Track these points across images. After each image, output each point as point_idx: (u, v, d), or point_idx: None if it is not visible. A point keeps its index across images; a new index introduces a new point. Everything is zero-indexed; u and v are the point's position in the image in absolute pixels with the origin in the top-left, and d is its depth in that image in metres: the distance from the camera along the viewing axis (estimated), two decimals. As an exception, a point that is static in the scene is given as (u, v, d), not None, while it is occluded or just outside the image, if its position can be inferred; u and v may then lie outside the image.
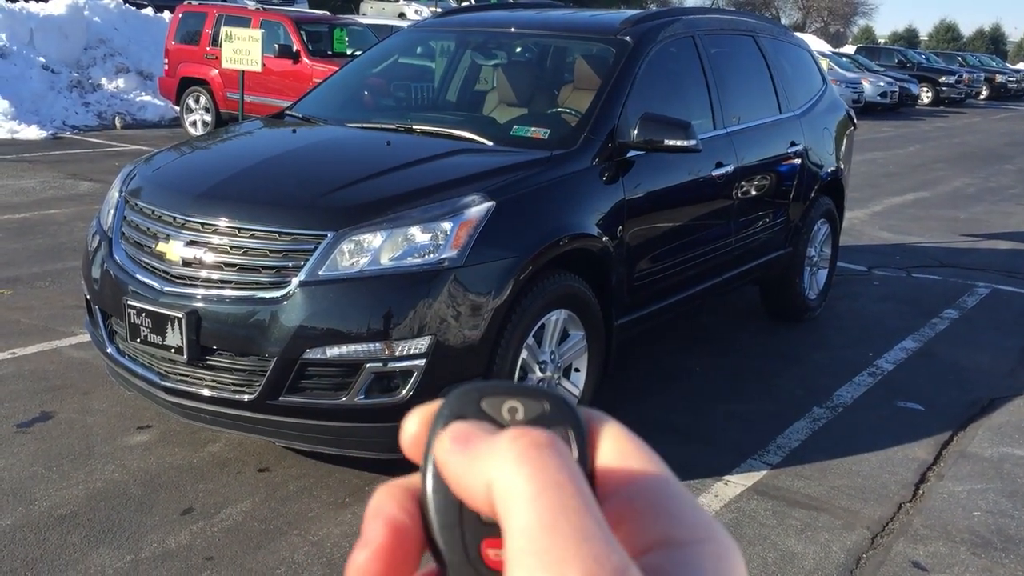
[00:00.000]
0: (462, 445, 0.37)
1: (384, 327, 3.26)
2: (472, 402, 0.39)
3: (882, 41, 69.40)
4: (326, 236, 3.35)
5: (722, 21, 5.63)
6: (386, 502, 0.39)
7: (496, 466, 0.35)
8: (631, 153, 4.17)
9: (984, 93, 37.84)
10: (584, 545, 0.32)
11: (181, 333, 3.37)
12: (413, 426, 0.40)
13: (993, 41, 78.89)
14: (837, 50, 33.84)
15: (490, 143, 4.20)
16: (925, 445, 4.30)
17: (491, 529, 0.37)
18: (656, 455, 0.38)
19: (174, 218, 3.56)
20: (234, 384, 3.38)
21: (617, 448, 0.38)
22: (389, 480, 0.39)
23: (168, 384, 3.46)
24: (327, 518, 3.37)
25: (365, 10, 27.75)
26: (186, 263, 3.47)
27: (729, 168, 4.89)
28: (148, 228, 3.64)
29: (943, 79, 32.33)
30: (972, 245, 8.84)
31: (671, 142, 4.08)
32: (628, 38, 4.57)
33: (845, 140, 6.43)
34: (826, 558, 3.33)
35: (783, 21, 55.27)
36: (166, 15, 16.50)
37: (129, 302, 3.51)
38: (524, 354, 3.60)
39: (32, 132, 12.35)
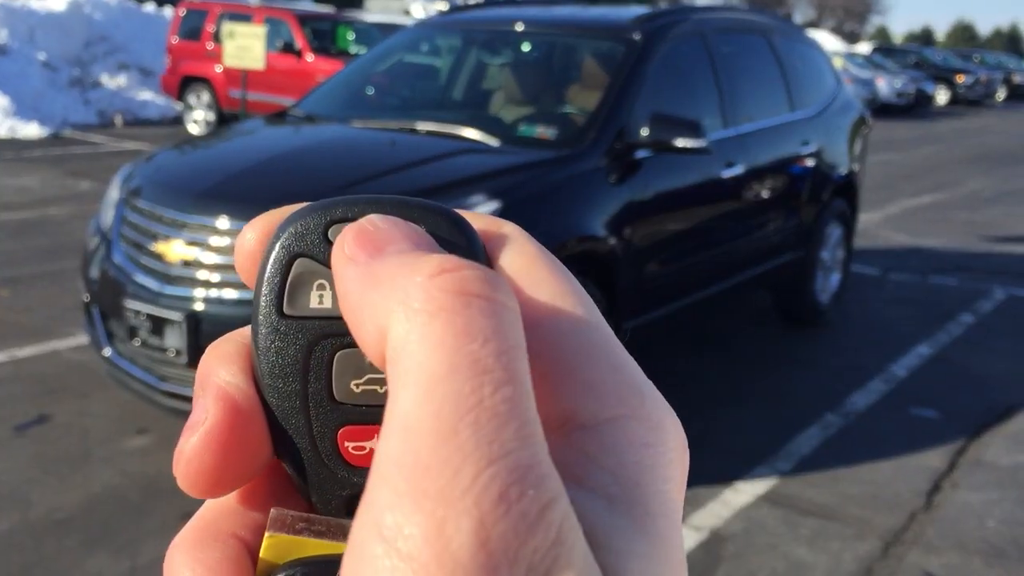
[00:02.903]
0: (371, 255, 0.24)
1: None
2: (317, 232, 0.26)
3: (897, 41, 69.05)
4: (327, 237, 3.30)
5: (734, 20, 5.55)
6: (218, 365, 0.27)
7: (399, 310, 0.23)
8: (640, 153, 4.10)
9: (1002, 94, 37.55)
10: (500, 463, 0.21)
11: (180, 335, 3.32)
12: (251, 240, 0.28)
13: (1011, 41, 78.40)
14: (852, 49, 33.66)
15: (496, 143, 4.14)
16: (939, 453, 4.21)
17: (354, 413, 0.26)
18: (573, 281, 0.27)
19: (173, 218, 3.51)
20: (233, 387, 3.33)
21: (528, 276, 0.26)
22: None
23: (167, 387, 3.42)
24: (326, 524, 3.32)
25: (370, 7, 27.72)
26: (186, 264, 3.42)
27: (739, 169, 4.81)
28: (147, 228, 3.60)
29: (960, 79, 32.11)
30: (989, 248, 8.73)
31: (680, 143, 4.02)
32: (638, 36, 4.50)
33: (859, 141, 6.34)
34: (837, 568, 3.26)
35: (797, 19, 55.08)
36: (167, 11, 16.52)
37: (128, 303, 3.47)
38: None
39: (32, 130, 12.35)
